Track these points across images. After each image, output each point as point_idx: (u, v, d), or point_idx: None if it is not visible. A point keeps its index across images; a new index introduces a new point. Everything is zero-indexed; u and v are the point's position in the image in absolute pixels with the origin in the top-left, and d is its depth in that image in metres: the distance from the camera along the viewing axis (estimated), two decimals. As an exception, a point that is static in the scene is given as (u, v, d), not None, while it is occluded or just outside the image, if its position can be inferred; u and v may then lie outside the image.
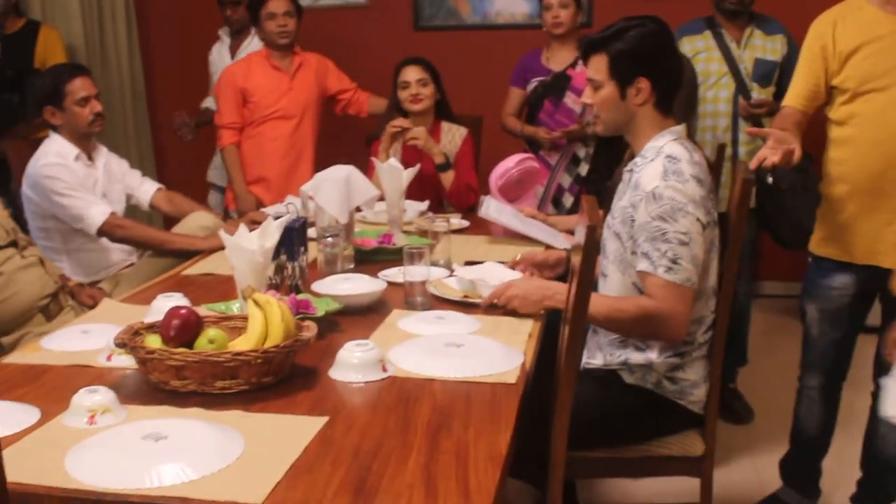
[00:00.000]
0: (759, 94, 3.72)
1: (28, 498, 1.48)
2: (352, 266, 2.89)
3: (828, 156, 2.81)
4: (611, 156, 3.82)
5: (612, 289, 2.43)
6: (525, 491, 2.61)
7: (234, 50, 4.84)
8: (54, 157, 3.35)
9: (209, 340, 1.95)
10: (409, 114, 3.88)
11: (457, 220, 3.53)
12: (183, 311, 1.99)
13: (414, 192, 3.58)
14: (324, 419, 1.76)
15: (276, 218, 2.39)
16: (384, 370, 1.99)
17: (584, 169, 4.04)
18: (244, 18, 4.69)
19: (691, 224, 2.24)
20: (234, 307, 2.34)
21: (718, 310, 2.42)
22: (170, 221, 3.72)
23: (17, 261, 2.94)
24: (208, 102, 4.91)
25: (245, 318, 2.03)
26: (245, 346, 1.92)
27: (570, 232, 3.21)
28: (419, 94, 3.85)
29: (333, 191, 3.05)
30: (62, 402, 1.80)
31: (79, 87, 3.36)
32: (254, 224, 2.83)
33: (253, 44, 4.72)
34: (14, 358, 2.18)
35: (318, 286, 2.52)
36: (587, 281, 1.87)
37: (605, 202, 2.66)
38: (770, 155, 2.47)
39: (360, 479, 1.52)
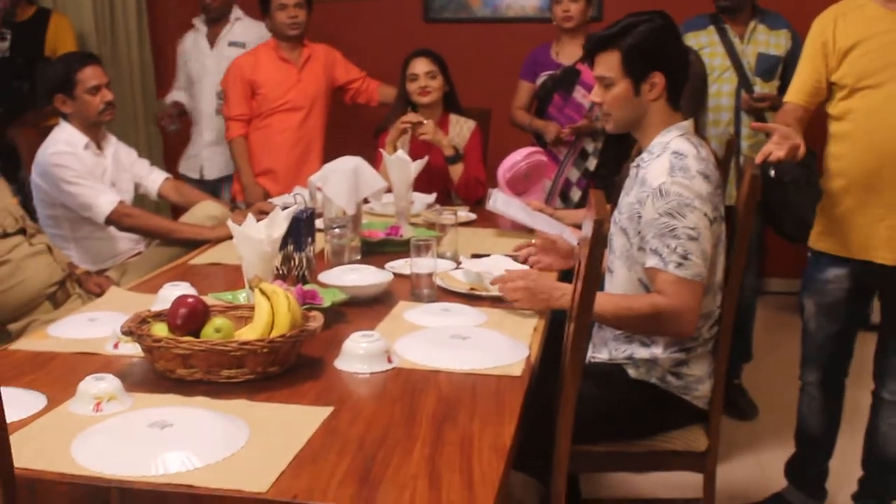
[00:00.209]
0: (761, 88, 3.72)
1: (34, 483, 1.49)
2: (359, 257, 2.89)
3: (827, 151, 2.83)
4: (619, 150, 3.81)
5: (617, 284, 2.43)
6: (529, 484, 2.62)
7: (212, 39, 4.73)
8: (63, 146, 3.36)
9: (216, 329, 1.96)
10: (418, 106, 3.88)
11: (464, 213, 3.53)
12: (190, 300, 2.00)
13: (422, 184, 3.58)
14: (329, 409, 1.76)
15: (284, 208, 2.39)
16: (390, 361, 2.00)
17: (592, 163, 4.03)
18: (223, 6, 4.66)
19: (699, 219, 2.24)
20: (241, 297, 2.34)
21: (724, 305, 2.41)
22: (177, 211, 3.73)
23: (26, 248, 2.95)
24: (178, 95, 4.85)
25: (252, 308, 2.03)
26: (251, 336, 1.93)
27: (578, 226, 3.21)
28: (428, 87, 3.84)
29: (341, 182, 3.05)
30: (69, 389, 1.81)
31: (90, 75, 3.37)
32: (261, 214, 2.84)
33: (233, 31, 4.68)
34: (21, 345, 2.19)
35: (325, 277, 2.53)
36: (594, 275, 1.87)
37: (612, 197, 2.66)
38: (775, 150, 2.47)
39: (364, 469, 1.52)
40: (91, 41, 4.96)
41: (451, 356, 2.02)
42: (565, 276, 2.69)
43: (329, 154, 3.90)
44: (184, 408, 1.73)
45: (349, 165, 3.10)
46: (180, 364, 1.88)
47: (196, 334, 1.96)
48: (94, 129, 3.46)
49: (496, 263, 2.69)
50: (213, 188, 4.63)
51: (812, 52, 2.80)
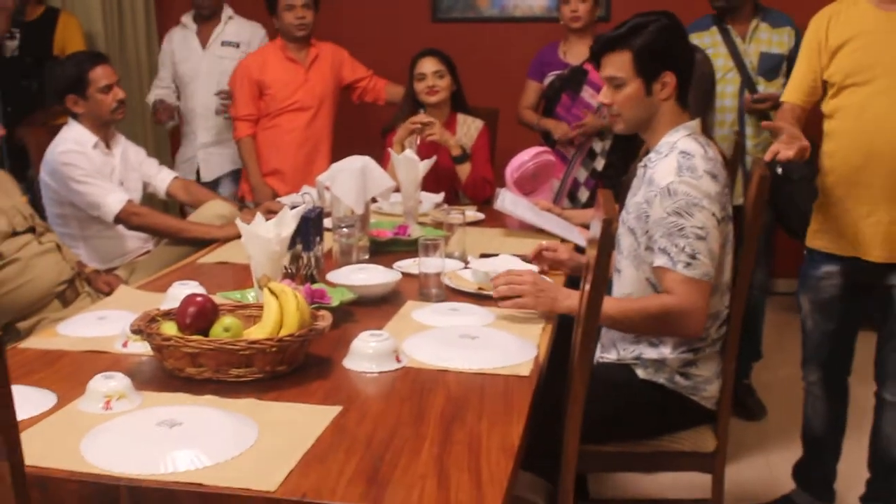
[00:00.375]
0: (765, 87, 3.73)
1: (44, 481, 1.50)
2: (367, 257, 2.90)
3: (821, 149, 2.86)
4: (627, 150, 3.81)
5: (625, 284, 2.43)
6: (537, 484, 2.61)
7: (203, 39, 4.67)
8: (72, 145, 3.37)
9: (224, 328, 1.96)
10: (425, 105, 3.88)
11: (472, 213, 3.53)
12: (199, 299, 2.00)
13: (429, 183, 3.58)
14: (337, 408, 1.77)
15: (293, 207, 2.39)
16: (398, 361, 2.00)
17: (600, 163, 4.03)
18: (215, 3, 4.63)
19: (707, 218, 2.23)
20: (250, 296, 2.35)
21: (733, 305, 2.41)
22: (186, 210, 3.73)
23: (35, 247, 2.95)
24: (162, 94, 4.72)
25: (260, 307, 2.04)
26: (260, 335, 1.93)
27: (585, 226, 3.20)
28: (435, 86, 3.85)
29: (349, 181, 3.05)
30: (78, 388, 1.82)
31: (101, 74, 3.38)
32: (270, 213, 2.84)
33: (226, 31, 4.65)
34: (31, 343, 2.19)
35: (333, 276, 2.53)
36: (602, 274, 1.87)
37: (620, 197, 2.66)
38: (784, 149, 2.48)
39: (373, 469, 1.53)
40: (100, 41, 4.97)
41: (459, 356, 2.02)
42: (572, 283, 2.68)
43: (337, 154, 3.89)
44: (193, 406, 1.73)
45: (357, 165, 3.10)
46: (189, 363, 1.89)
47: (205, 333, 1.97)
48: (104, 129, 3.47)
49: (504, 263, 2.69)
50: (212, 188, 4.58)
51: (808, 51, 2.84)
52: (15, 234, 2.92)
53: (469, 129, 3.96)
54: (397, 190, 3.36)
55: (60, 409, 1.76)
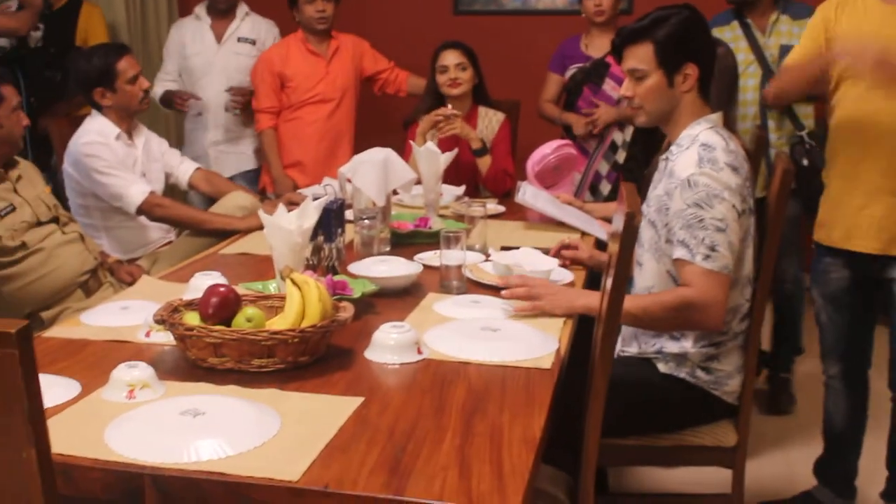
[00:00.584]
0: None
1: (69, 469, 1.51)
2: (388, 248, 2.90)
3: (826, 142, 2.90)
4: (648, 143, 3.80)
5: (647, 277, 2.42)
6: (557, 477, 2.61)
7: (218, 33, 4.55)
8: (95, 136, 3.38)
9: (247, 319, 1.97)
10: (447, 98, 3.88)
11: (493, 205, 3.53)
12: (222, 290, 2.01)
13: (450, 176, 3.58)
14: (359, 399, 1.77)
15: (315, 199, 2.40)
16: (419, 352, 2.00)
17: (621, 156, 4.02)
18: None
19: (727, 210, 2.23)
20: (271, 286, 2.35)
21: (755, 299, 2.40)
22: (208, 201, 3.74)
23: (58, 237, 2.98)
24: (169, 86, 4.56)
25: (282, 298, 2.04)
26: (282, 326, 1.94)
27: (607, 219, 3.20)
28: (458, 79, 3.85)
29: (371, 173, 3.06)
30: (102, 377, 1.83)
31: (127, 65, 3.39)
32: (292, 205, 2.84)
33: (241, 28, 4.56)
34: (55, 332, 2.21)
35: (355, 268, 2.54)
36: (625, 268, 1.87)
37: (641, 190, 2.65)
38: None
39: (394, 460, 1.53)
40: (122, 31, 4.98)
41: (480, 348, 2.02)
42: (593, 278, 2.67)
43: (358, 146, 3.90)
44: (215, 396, 1.74)
45: (379, 157, 3.10)
46: (212, 353, 1.89)
47: (227, 323, 1.97)
48: (127, 120, 3.48)
49: (525, 256, 2.69)
50: None
51: (813, 26, 2.90)
52: (39, 223, 2.94)
53: (490, 121, 3.96)
54: (418, 182, 3.36)
55: (84, 398, 1.78)
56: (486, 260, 2.73)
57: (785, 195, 2.38)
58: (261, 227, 2.36)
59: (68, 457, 1.52)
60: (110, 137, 3.41)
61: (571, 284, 2.58)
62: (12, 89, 2.91)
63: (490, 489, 1.44)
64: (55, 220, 3.00)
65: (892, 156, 2.67)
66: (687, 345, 2.36)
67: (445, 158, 3.31)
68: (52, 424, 1.59)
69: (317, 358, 1.96)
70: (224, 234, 3.23)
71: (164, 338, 2.06)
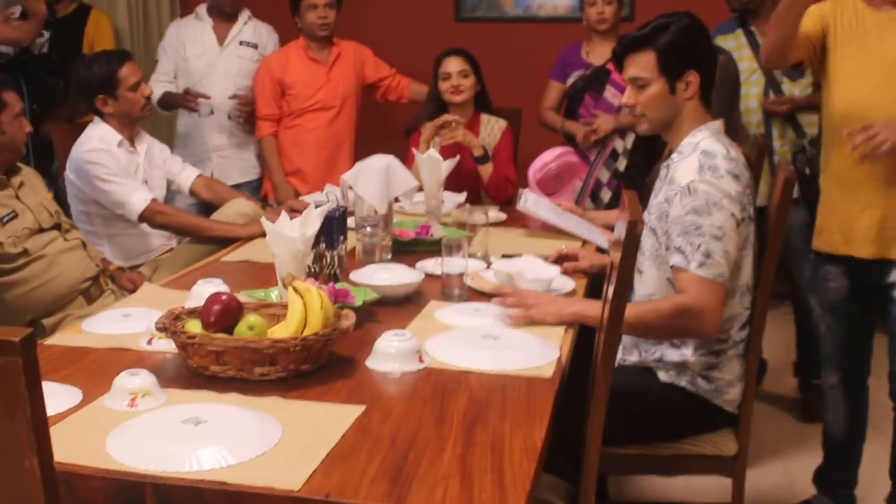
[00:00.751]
0: (789, 87, 3.73)
1: (70, 477, 1.50)
2: (389, 256, 2.90)
3: (821, 148, 2.90)
4: (649, 150, 3.81)
5: (647, 285, 2.42)
6: (558, 485, 2.61)
7: (221, 35, 4.50)
8: (97, 143, 3.38)
9: (249, 327, 1.97)
10: (450, 105, 3.88)
11: (494, 213, 3.53)
12: (224, 297, 2.01)
13: (452, 183, 3.59)
14: (361, 408, 1.77)
15: (317, 206, 2.40)
16: (421, 361, 2.00)
17: (622, 164, 4.02)
18: (239, 1, 4.51)
19: (725, 219, 2.23)
20: (273, 294, 2.36)
21: (755, 307, 2.40)
22: (209, 208, 3.74)
23: (60, 243, 2.98)
24: (167, 87, 4.49)
25: (284, 306, 2.04)
26: (284, 334, 1.94)
27: (608, 227, 3.20)
28: (460, 86, 3.85)
29: (373, 180, 3.06)
30: (103, 385, 1.83)
31: (128, 73, 3.40)
32: (293, 212, 2.85)
33: (244, 31, 4.53)
34: (56, 339, 2.21)
35: (356, 275, 2.54)
36: (627, 276, 1.87)
37: (642, 198, 2.65)
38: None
39: (396, 468, 1.53)
40: (125, 37, 4.98)
41: (482, 356, 2.03)
42: (594, 286, 2.66)
43: (359, 153, 3.90)
44: (217, 404, 1.74)
45: (381, 164, 3.11)
46: (214, 361, 1.90)
47: (229, 331, 1.97)
48: (129, 127, 3.49)
49: (527, 264, 2.69)
50: None
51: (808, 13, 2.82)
52: (41, 230, 2.94)
53: (492, 128, 3.96)
54: (420, 189, 3.36)
55: (86, 406, 1.78)
56: (488, 268, 2.73)
57: (786, 204, 2.38)
58: (262, 235, 2.36)
59: (69, 465, 1.52)
60: (112, 144, 3.41)
61: (573, 293, 2.58)
62: (15, 95, 2.92)
63: (491, 498, 1.44)
64: (57, 226, 3.01)
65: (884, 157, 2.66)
66: (687, 353, 2.36)
67: (447, 166, 3.31)
68: (54, 432, 1.59)
69: (318, 366, 1.96)
70: (226, 242, 3.23)
71: (166, 345, 2.07)
